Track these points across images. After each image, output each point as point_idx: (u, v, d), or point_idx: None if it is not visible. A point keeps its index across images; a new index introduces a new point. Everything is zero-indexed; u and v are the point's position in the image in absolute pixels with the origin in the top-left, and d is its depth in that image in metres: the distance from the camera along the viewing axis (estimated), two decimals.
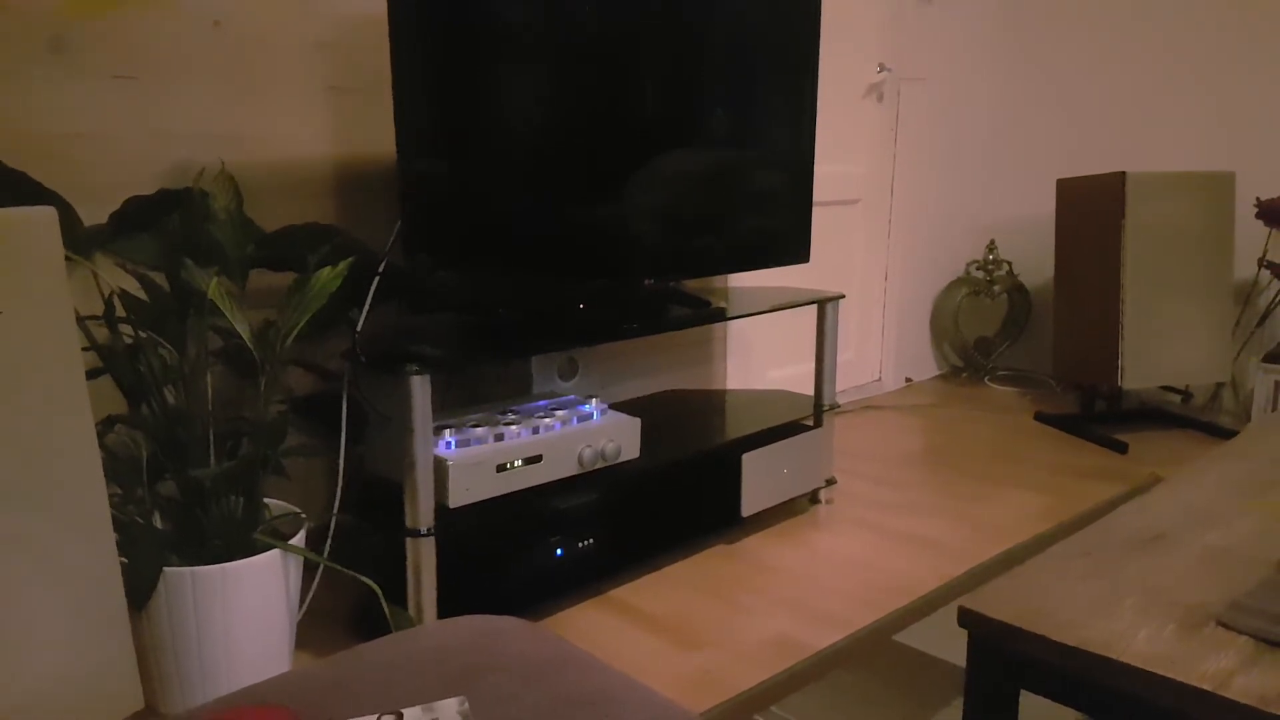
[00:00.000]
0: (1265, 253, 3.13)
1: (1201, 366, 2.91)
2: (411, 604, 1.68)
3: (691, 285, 2.59)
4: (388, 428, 1.78)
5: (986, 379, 3.78)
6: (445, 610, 1.71)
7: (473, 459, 1.71)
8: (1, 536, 0.97)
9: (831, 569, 2.09)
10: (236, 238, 1.57)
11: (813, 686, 1.61)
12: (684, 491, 2.16)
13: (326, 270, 1.52)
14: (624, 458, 1.96)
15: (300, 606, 1.76)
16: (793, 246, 2.38)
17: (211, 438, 1.56)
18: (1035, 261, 3.74)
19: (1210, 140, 3.27)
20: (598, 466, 1.92)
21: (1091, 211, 2.94)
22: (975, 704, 1.04)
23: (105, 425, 1.52)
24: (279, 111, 1.87)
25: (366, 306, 1.79)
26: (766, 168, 2.28)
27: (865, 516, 2.39)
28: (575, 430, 1.88)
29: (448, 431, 1.76)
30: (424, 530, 1.65)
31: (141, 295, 1.53)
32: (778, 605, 1.92)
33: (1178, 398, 3.38)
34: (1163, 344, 2.88)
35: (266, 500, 1.66)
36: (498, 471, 1.75)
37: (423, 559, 1.66)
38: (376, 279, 1.79)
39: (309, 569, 1.88)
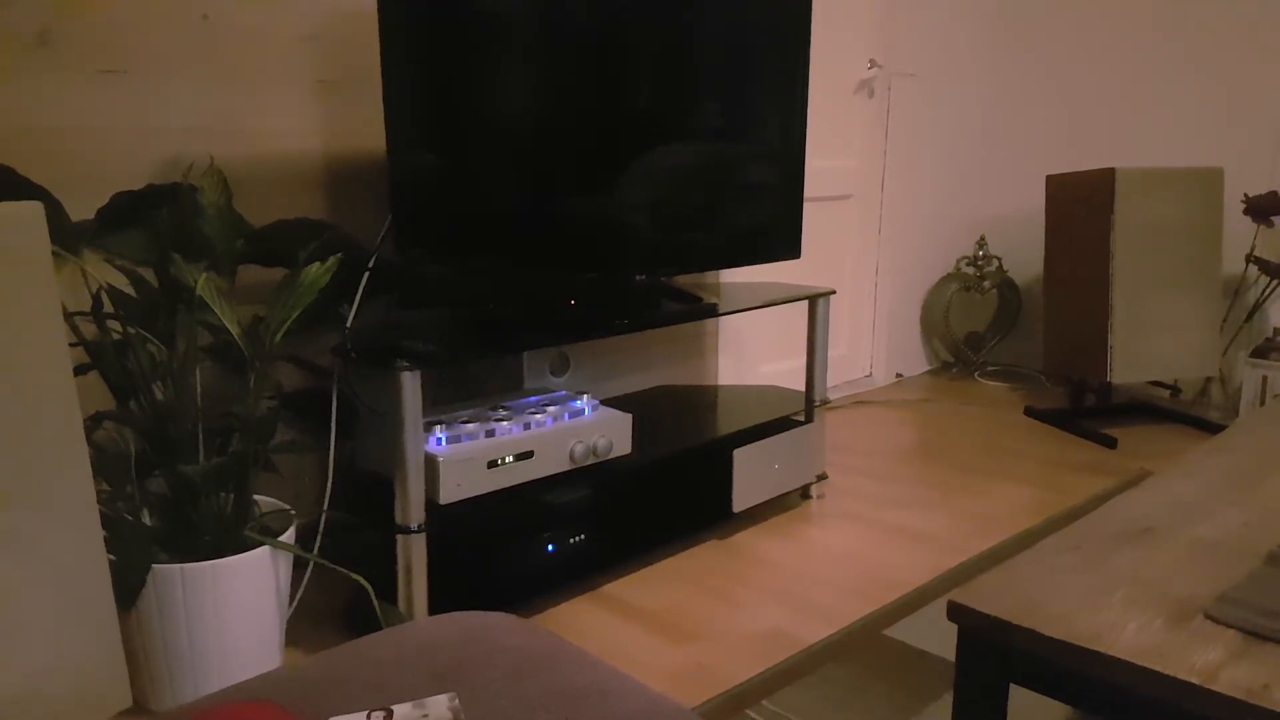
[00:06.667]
0: (1253, 248, 3.15)
1: (1190, 361, 2.93)
2: (402, 600, 1.67)
3: (683, 281, 2.59)
4: (378, 424, 1.78)
5: (977, 374, 3.79)
6: (436, 606, 1.71)
7: (464, 455, 1.71)
8: None
9: (823, 563, 2.09)
10: (225, 233, 1.56)
11: (804, 680, 1.62)
12: (676, 487, 2.16)
13: (316, 265, 1.52)
14: (616, 453, 1.96)
15: (290, 603, 1.75)
16: (784, 242, 2.38)
17: (201, 434, 1.56)
18: (1025, 257, 3.75)
19: (1199, 136, 3.28)
20: (589, 462, 1.92)
21: (1081, 207, 2.95)
22: (965, 697, 1.04)
23: (93, 422, 1.52)
24: (268, 106, 1.86)
25: (357, 302, 1.79)
26: (758, 163, 2.28)
27: (856, 511, 2.40)
28: (567, 426, 1.88)
29: (438, 427, 1.75)
30: (415, 527, 1.65)
31: (130, 291, 1.53)
32: (769, 599, 1.92)
33: (1166, 392, 3.40)
34: (1152, 339, 2.89)
35: (256, 497, 1.66)
36: (489, 467, 1.75)
37: (413, 555, 1.66)
38: (366, 274, 1.79)
39: (299, 565, 1.88)
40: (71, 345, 1.10)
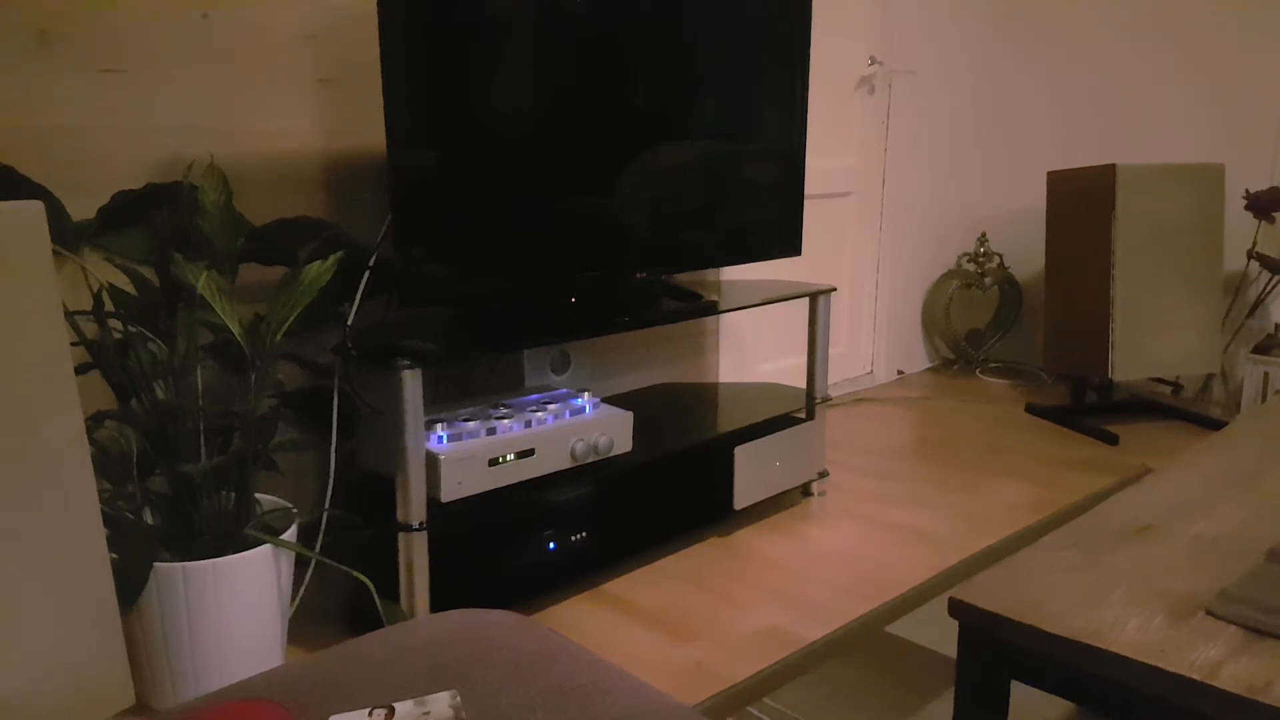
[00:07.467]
0: (1255, 244, 3.15)
1: (1191, 358, 2.92)
2: (403, 598, 1.68)
3: (683, 279, 2.59)
4: (379, 422, 1.78)
5: (978, 371, 3.79)
6: (437, 605, 1.71)
7: (464, 453, 1.71)
8: None
9: (823, 561, 2.09)
10: (226, 232, 1.56)
11: (805, 678, 1.62)
12: (676, 485, 2.16)
13: (316, 264, 1.52)
14: (616, 451, 1.96)
15: (292, 601, 1.76)
16: (784, 239, 2.38)
17: (202, 433, 1.56)
18: (1026, 254, 3.75)
19: (1200, 132, 3.28)
20: (590, 460, 1.92)
21: (1082, 204, 2.95)
22: (966, 694, 1.04)
23: (95, 421, 1.52)
24: (268, 104, 1.86)
25: (357, 301, 1.79)
26: (758, 161, 2.28)
27: (857, 508, 2.40)
28: (567, 424, 1.88)
29: (439, 426, 1.75)
30: (416, 525, 1.65)
31: (130, 290, 1.53)
32: (770, 597, 1.93)
33: (1168, 389, 3.40)
34: (1153, 335, 2.89)
35: (258, 495, 1.66)
36: (490, 465, 1.75)
37: (414, 553, 1.66)
38: (367, 273, 1.79)
39: (300, 564, 1.88)
40: (72, 344, 1.10)
